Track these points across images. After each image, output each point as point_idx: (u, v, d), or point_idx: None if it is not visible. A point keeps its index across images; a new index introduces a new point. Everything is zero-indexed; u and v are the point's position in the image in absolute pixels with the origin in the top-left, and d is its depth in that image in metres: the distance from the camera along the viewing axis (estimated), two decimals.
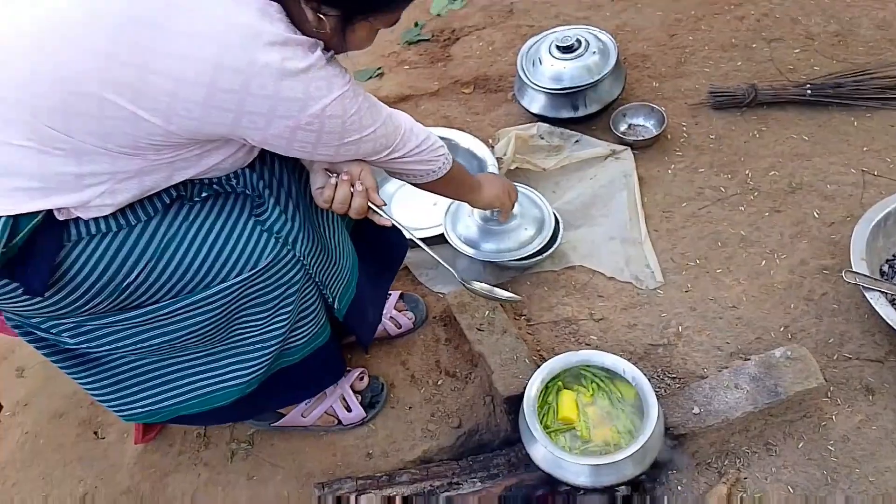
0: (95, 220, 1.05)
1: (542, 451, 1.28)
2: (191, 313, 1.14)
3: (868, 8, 2.24)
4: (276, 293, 1.20)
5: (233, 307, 1.17)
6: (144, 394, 1.27)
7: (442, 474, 1.41)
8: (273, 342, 1.25)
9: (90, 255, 1.05)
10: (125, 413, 1.29)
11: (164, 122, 0.95)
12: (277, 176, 1.20)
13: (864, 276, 1.44)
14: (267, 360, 1.27)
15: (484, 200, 1.55)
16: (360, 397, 1.57)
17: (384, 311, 1.67)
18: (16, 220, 0.97)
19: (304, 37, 0.99)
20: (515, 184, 1.72)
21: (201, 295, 1.13)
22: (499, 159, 1.94)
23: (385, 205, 1.24)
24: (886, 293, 1.44)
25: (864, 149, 1.86)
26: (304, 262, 1.21)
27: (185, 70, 0.92)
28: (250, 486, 1.51)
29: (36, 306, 1.08)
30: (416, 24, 2.53)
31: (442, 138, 1.99)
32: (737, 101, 2.01)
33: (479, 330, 1.59)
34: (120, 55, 0.91)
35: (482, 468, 1.41)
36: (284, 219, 1.17)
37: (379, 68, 2.42)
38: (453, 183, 1.38)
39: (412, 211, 1.93)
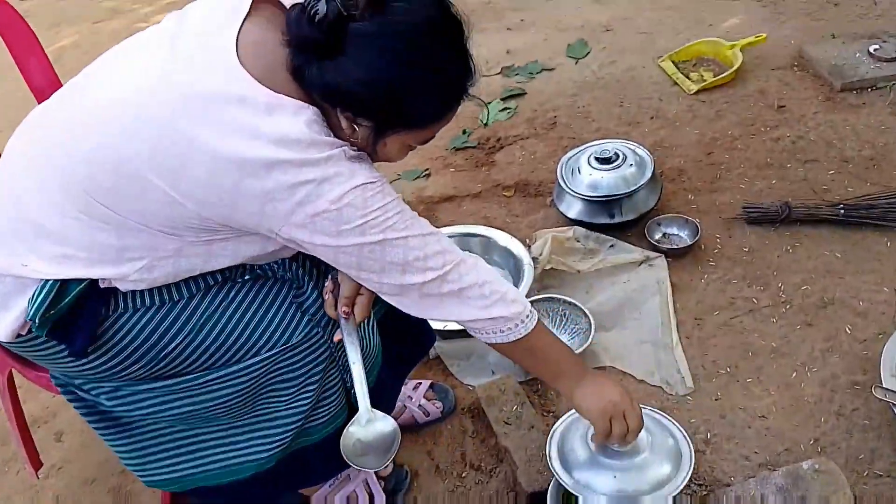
0: (141, 294, 1.12)
1: None
2: (223, 384, 1.19)
3: None
4: (302, 370, 1.24)
5: (262, 380, 1.22)
6: (168, 461, 1.30)
7: None
8: (296, 418, 1.28)
9: (133, 325, 1.12)
10: (147, 478, 1.32)
11: (198, 208, 1.00)
12: (317, 262, 1.27)
13: (894, 392, 1.43)
14: (288, 435, 1.29)
15: (574, 400, 1.28)
16: (383, 483, 1.58)
17: (414, 399, 1.70)
18: (64, 285, 1.06)
19: (334, 139, 1.02)
20: (648, 412, 1.36)
21: (234, 368, 1.18)
22: (535, 259, 2.01)
23: (347, 317, 1.19)
24: None
25: None
26: (331, 344, 1.26)
27: (218, 160, 0.97)
28: None
29: (78, 368, 1.15)
30: (464, 132, 2.69)
31: (480, 236, 2.09)
32: (770, 218, 2.06)
33: (507, 423, 1.61)
34: (167, 142, 0.97)
35: None
36: (321, 302, 1.23)
37: (426, 169, 2.56)
38: (533, 354, 1.24)
39: None
